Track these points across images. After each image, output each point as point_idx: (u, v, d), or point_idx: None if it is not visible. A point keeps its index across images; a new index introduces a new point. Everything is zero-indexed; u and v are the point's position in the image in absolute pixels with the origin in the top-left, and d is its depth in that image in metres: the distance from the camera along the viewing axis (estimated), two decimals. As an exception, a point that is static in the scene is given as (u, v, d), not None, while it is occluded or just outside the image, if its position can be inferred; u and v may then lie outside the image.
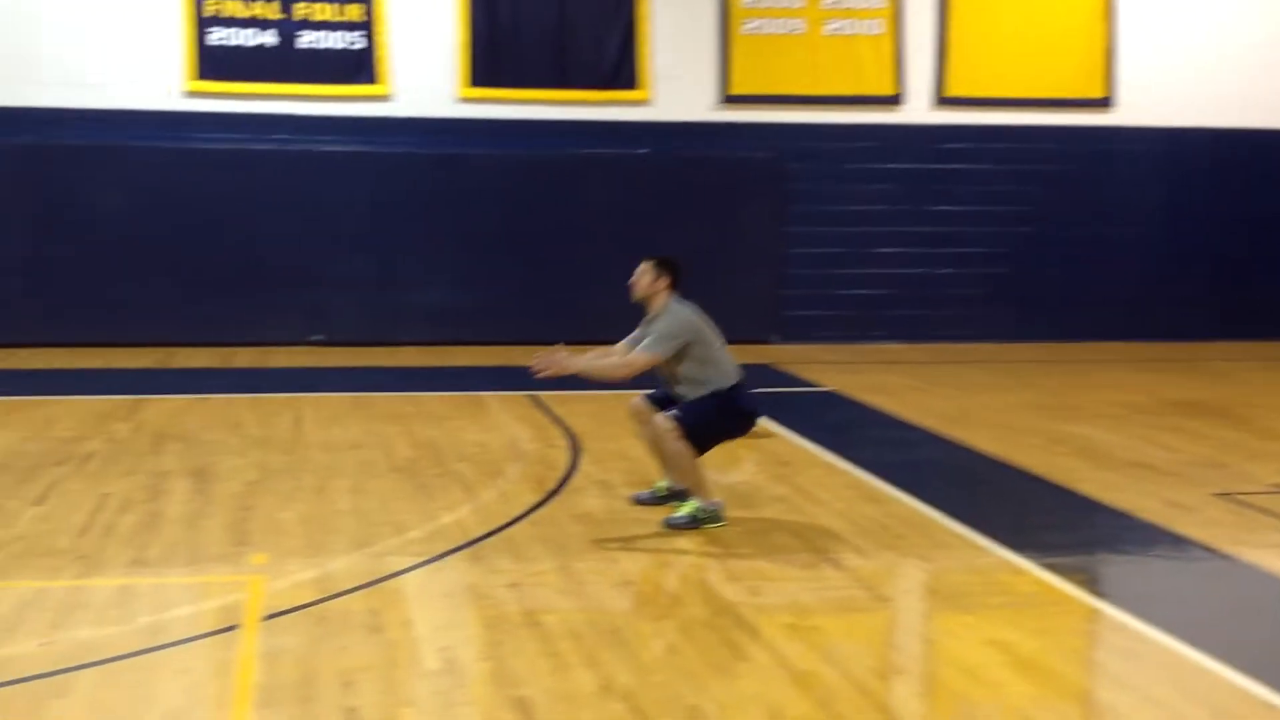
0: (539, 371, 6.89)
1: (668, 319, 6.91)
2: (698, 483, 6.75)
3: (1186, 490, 7.60)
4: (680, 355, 6.82)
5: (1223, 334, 14.64)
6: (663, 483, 7.18)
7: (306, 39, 13.33)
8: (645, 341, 6.92)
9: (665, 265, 7.01)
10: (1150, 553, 6.46)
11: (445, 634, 5.12)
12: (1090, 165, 14.67)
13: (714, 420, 6.81)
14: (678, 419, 6.70)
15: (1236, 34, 14.74)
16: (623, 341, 7.26)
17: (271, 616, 5.22)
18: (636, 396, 7.22)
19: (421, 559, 6.07)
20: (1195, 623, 5.33)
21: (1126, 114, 14.60)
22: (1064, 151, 14.60)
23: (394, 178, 13.51)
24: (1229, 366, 12.91)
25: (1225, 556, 6.32)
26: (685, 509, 6.78)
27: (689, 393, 6.87)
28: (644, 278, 7.03)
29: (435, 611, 5.41)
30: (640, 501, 7.20)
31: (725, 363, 6.93)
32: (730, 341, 13.76)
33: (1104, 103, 14.60)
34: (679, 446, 6.68)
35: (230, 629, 5.08)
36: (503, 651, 4.91)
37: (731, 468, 8.12)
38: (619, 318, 13.65)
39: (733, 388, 6.88)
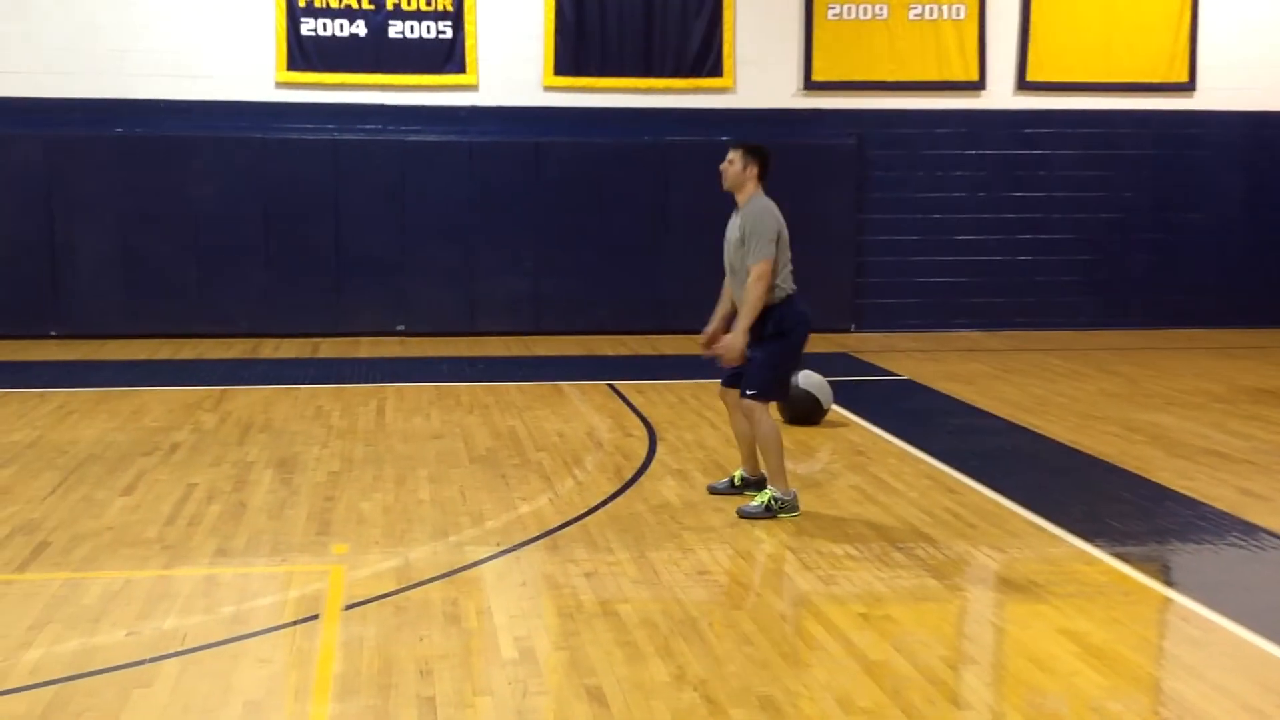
0: (721, 361, 6.90)
1: (759, 217, 6.71)
2: (778, 468, 6.76)
3: (1260, 479, 7.52)
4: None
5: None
6: (738, 472, 7.24)
7: (396, 29, 13.51)
8: (752, 250, 6.69)
9: (754, 153, 6.82)
10: (1222, 541, 6.40)
11: (522, 623, 5.22)
12: (1172, 150, 14.42)
13: (779, 355, 6.78)
14: (753, 395, 6.75)
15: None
16: (726, 257, 7.00)
17: (352, 606, 5.36)
18: (719, 385, 7.21)
19: (499, 549, 6.18)
20: (1265, 611, 5.32)
21: (1209, 98, 14.35)
22: (1146, 136, 14.38)
23: (480, 167, 13.66)
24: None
25: (1303, 546, 6.25)
26: (760, 498, 6.84)
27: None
28: (733, 166, 6.83)
29: (512, 601, 5.51)
30: (715, 491, 7.26)
31: (786, 276, 6.85)
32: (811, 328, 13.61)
33: (1187, 87, 14.34)
34: (767, 423, 6.75)
35: (311, 619, 5.22)
36: (578, 641, 5.00)
37: (807, 456, 8.15)
38: (701, 305, 13.76)
39: (793, 295, 6.84)
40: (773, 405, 7.31)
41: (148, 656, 4.80)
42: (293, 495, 7.12)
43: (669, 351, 12.74)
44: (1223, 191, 14.52)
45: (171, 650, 4.86)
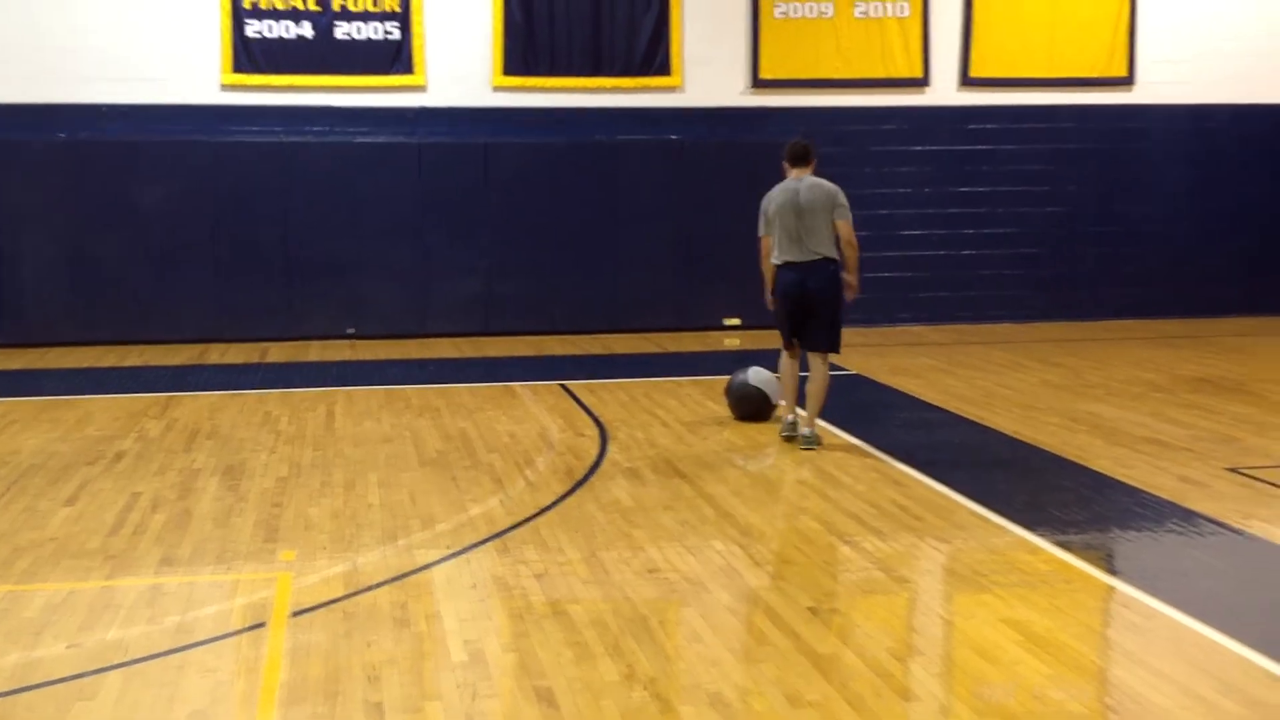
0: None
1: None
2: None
3: (1198, 466, 7.65)
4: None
5: (1244, 309, 14.59)
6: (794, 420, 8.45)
7: (343, 30, 13.44)
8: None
9: (805, 151, 8.48)
10: (1162, 528, 6.51)
11: (471, 626, 5.22)
12: (1114, 143, 14.63)
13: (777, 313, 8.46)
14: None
15: (1255, 10, 14.65)
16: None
17: (299, 613, 5.33)
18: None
19: (449, 551, 6.18)
20: (1204, 597, 5.41)
21: (1148, 92, 14.56)
22: (1088, 130, 14.57)
23: (429, 168, 13.61)
24: (1246, 342, 12.87)
25: (1235, 531, 6.39)
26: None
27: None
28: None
29: (462, 603, 5.51)
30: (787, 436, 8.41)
31: (783, 245, 8.23)
32: (760, 326, 13.77)
33: (1126, 81, 14.54)
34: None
35: (258, 626, 5.20)
36: (528, 642, 5.01)
37: (756, 452, 8.19)
38: (652, 304, 13.91)
39: (778, 269, 8.27)
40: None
41: (90, 669, 4.75)
42: (239, 502, 7.07)
43: (621, 350, 12.76)
44: (1164, 184, 14.74)
45: (114, 662, 4.82)
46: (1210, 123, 14.68)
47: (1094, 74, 14.48)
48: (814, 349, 8.36)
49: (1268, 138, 14.79)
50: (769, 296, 8.48)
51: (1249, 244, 14.84)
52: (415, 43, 13.60)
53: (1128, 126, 14.59)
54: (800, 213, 8.15)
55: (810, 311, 8.23)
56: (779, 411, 8.80)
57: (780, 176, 8.46)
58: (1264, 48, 14.64)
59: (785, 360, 8.58)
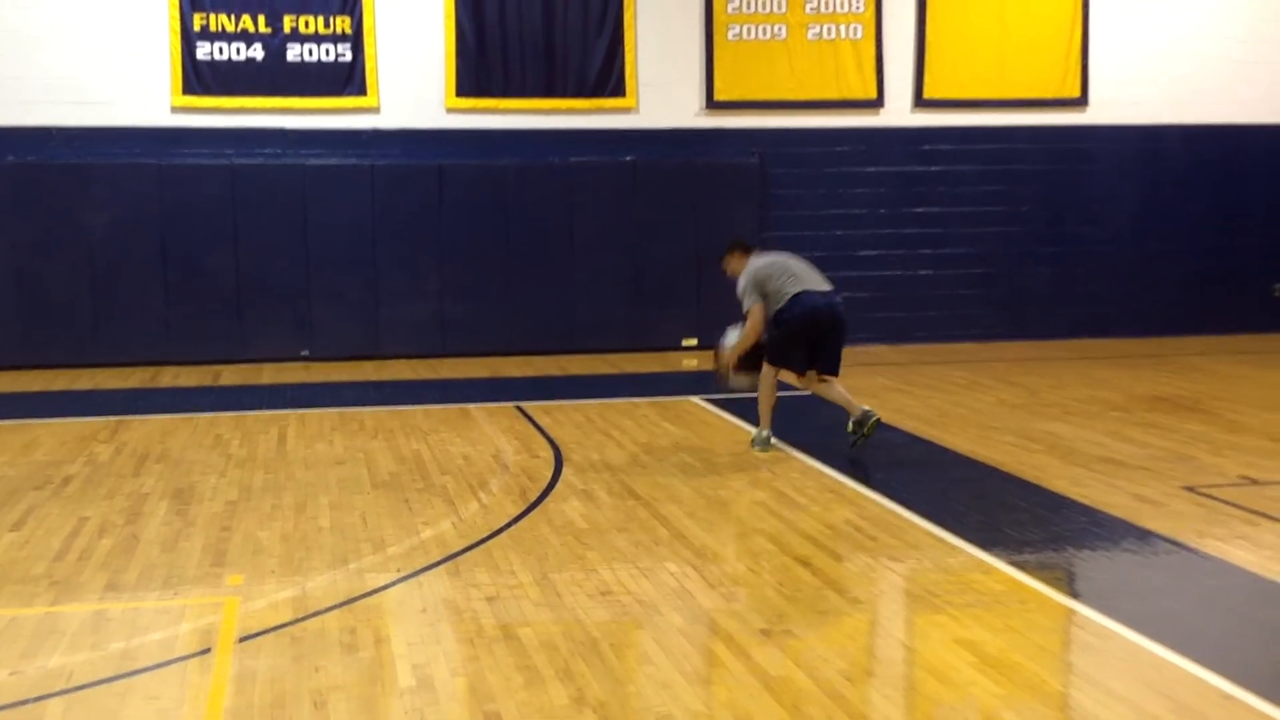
0: (723, 376, 9.07)
1: (741, 278, 8.86)
2: (764, 411, 8.89)
3: (1154, 485, 7.68)
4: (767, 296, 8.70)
5: (1197, 328, 14.74)
6: (850, 423, 8.68)
7: (295, 51, 13.37)
8: (745, 302, 8.80)
9: (732, 247, 9.15)
10: (1116, 548, 6.51)
11: (420, 650, 5.14)
12: (1067, 164, 14.77)
13: (776, 337, 8.74)
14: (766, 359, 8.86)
15: (1205, 32, 14.85)
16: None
17: (246, 638, 5.25)
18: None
19: (400, 575, 6.10)
20: (1157, 616, 5.40)
21: (1101, 113, 14.71)
22: (1041, 151, 14.70)
23: (382, 190, 13.55)
24: (1201, 360, 12.97)
25: (1190, 550, 6.40)
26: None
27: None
28: (727, 268, 9.13)
29: (411, 628, 5.44)
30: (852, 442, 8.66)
31: (786, 289, 8.68)
32: (715, 345, 13.78)
33: (1079, 102, 14.69)
34: (765, 377, 8.82)
35: (203, 652, 5.10)
36: (477, 666, 4.94)
37: (711, 473, 8.16)
38: (609, 324, 13.87)
39: (792, 299, 8.65)
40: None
41: (32, 696, 4.65)
42: (188, 526, 6.97)
43: (577, 371, 12.72)
44: (1116, 203, 14.88)
45: (57, 689, 4.72)
46: (1161, 144, 14.84)
47: (1047, 95, 14.61)
48: (830, 371, 8.84)
49: (1217, 158, 14.97)
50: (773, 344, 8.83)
51: (1201, 263, 14.99)
52: (368, 64, 13.54)
53: (1080, 147, 14.73)
54: (796, 262, 8.95)
55: (835, 332, 8.80)
56: (760, 429, 8.93)
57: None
58: (1214, 69, 14.83)
59: (773, 380, 8.89)
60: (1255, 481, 7.75)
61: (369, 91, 13.58)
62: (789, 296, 8.68)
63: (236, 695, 4.65)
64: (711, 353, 9.35)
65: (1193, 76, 14.79)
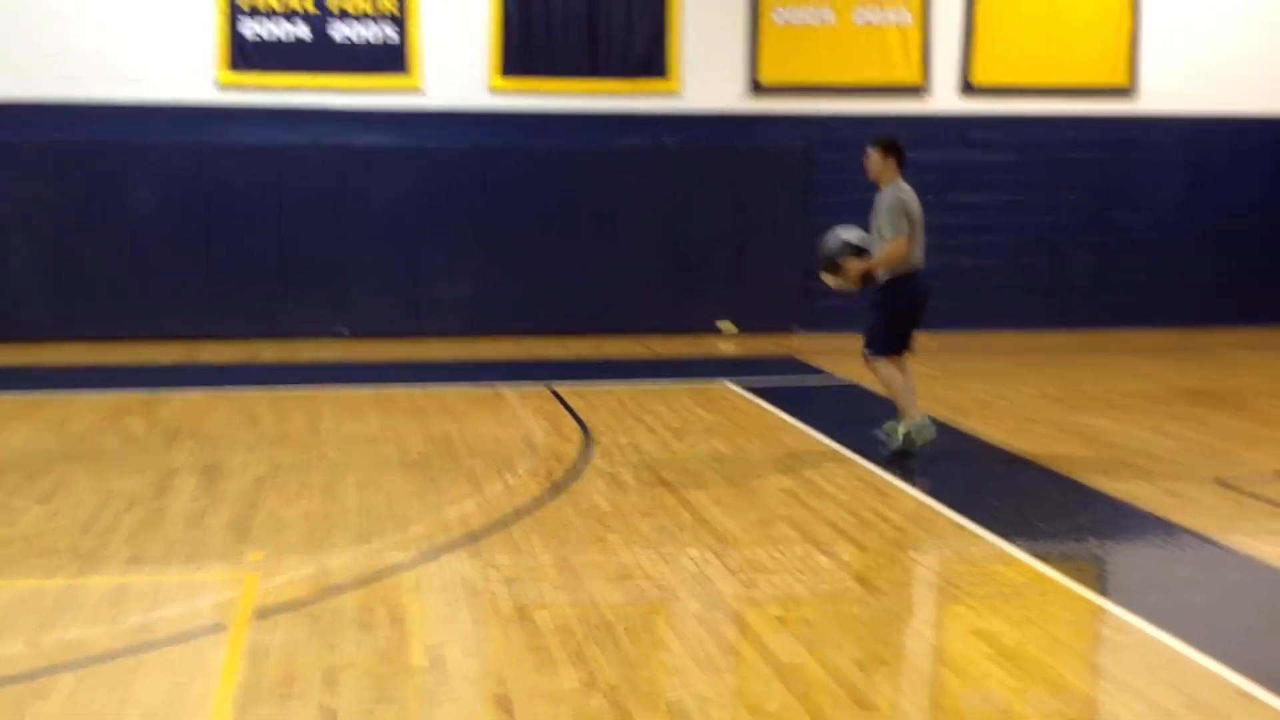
0: (846, 280, 8.12)
1: (894, 199, 7.93)
2: (907, 403, 8.02)
3: (1187, 478, 7.55)
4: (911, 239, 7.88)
5: (1242, 319, 14.48)
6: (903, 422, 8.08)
7: (339, 31, 13.40)
8: (882, 227, 7.94)
9: (890, 147, 8.08)
10: (1143, 541, 6.44)
11: (435, 630, 5.15)
12: (1114, 153, 14.54)
13: (893, 317, 7.99)
14: (868, 354, 8.11)
15: (1254, 21, 14.53)
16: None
17: (263, 614, 5.27)
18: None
19: (420, 555, 6.11)
20: (1179, 611, 5.33)
21: (1149, 101, 14.47)
22: (1088, 140, 14.48)
23: (423, 170, 13.58)
24: (1244, 354, 12.76)
25: (1218, 545, 6.29)
26: (896, 432, 8.01)
27: (885, 275, 7.96)
28: (873, 160, 8.11)
29: (428, 607, 5.45)
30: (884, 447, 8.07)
31: (920, 249, 7.97)
32: (755, 330, 13.66)
33: (1127, 91, 14.45)
34: (885, 371, 8.07)
35: (220, 627, 5.13)
36: (491, 648, 4.94)
37: (740, 459, 8.11)
38: (645, 307, 13.83)
39: (916, 273, 7.96)
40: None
41: (44, 667, 4.69)
42: (215, 503, 7.01)
43: (612, 354, 12.69)
44: (1163, 194, 14.64)
45: (72, 661, 4.76)
46: (1209, 135, 14.57)
47: (1095, 83, 14.39)
48: (910, 351, 8.33)
49: (1264, 151, 14.67)
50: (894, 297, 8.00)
51: (1246, 255, 14.72)
52: (412, 44, 13.56)
53: (1127, 137, 14.50)
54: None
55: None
56: (913, 417, 8.11)
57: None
58: (1260, 60, 14.52)
59: (896, 368, 8.16)
60: (1290, 477, 7.61)
61: (412, 72, 13.60)
62: (918, 264, 7.97)
63: (249, 671, 4.67)
64: (824, 248, 8.26)
65: (1239, 67, 14.49)
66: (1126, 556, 6.26)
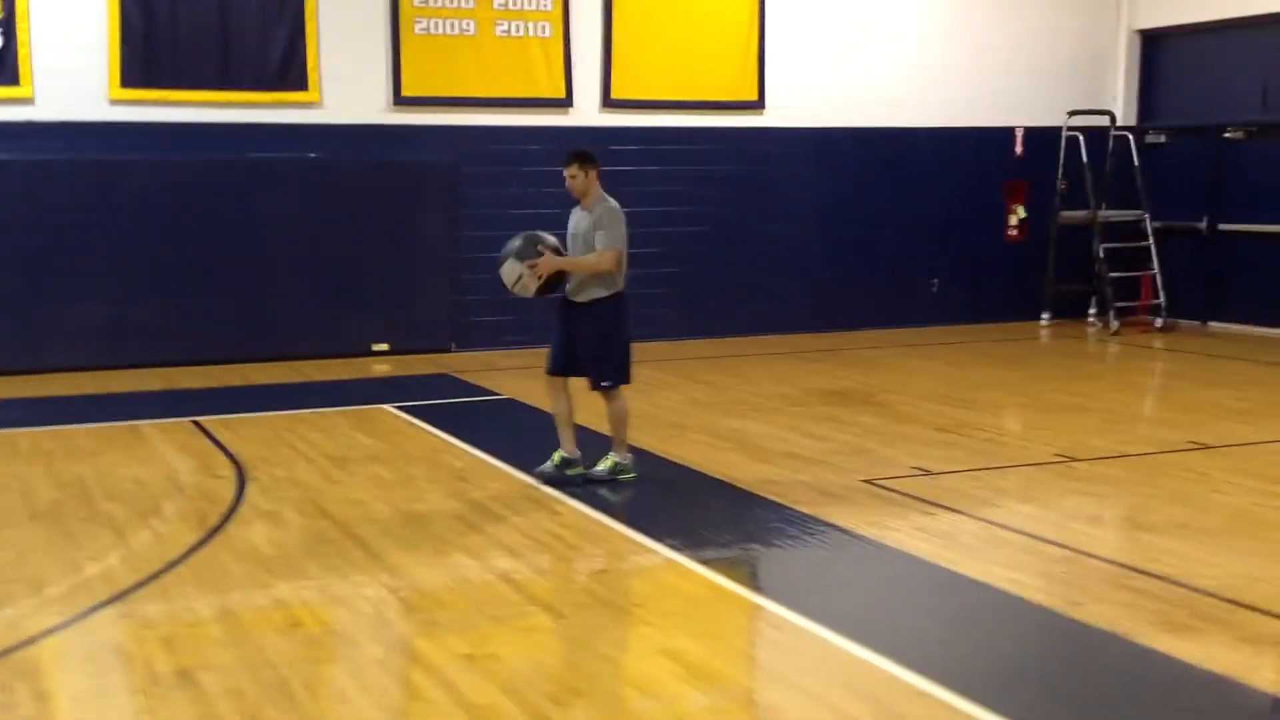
0: (535, 273, 7.57)
1: (610, 210, 7.56)
2: (623, 439, 7.77)
3: (835, 478, 7.92)
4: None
5: (866, 323, 15.47)
6: (559, 454, 7.79)
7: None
8: (603, 237, 7.50)
9: (589, 158, 7.59)
10: (805, 543, 6.66)
11: (87, 706, 4.67)
12: (748, 165, 15.15)
13: (623, 340, 7.72)
14: (608, 386, 7.68)
15: (867, 41, 15.56)
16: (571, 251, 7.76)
17: (-124, 706, 4.62)
18: (548, 370, 7.95)
19: (62, 620, 5.54)
20: (849, 613, 5.53)
21: (776, 115, 15.18)
22: (725, 152, 15.03)
23: (37, 187, 12.44)
24: (873, 354, 13.60)
25: (873, 542, 6.61)
26: (606, 464, 7.71)
27: (589, 292, 7.59)
28: (577, 177, 7.57)
29: (77, 680, 4.94)
30: (541, 475, 7.73)
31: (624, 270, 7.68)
32: (410, 350, 13.37)
33: (757, 104, 15.12)
34: (620, 404, 7.73)
35: None
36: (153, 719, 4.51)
37: (406, 485, 7.85)
38: (296, 330, 13.25)
39: (623, 293, 7.70)
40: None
41: None
42: None
43: (261, 381, 12.07)
44: (793, 204, 15.40)
45: None
46: (829, 145, 15.42)
47: (728, 98, 14.96)
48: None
49: (885, 160, 15.71)
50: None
51: (869, 259, 15.70)
52: (21, 51, 12.43)
53: (760, 149, 15.15)
54: None
55: None
56: (621, 455, 7.91)
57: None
58: (878, 76, 15.55)
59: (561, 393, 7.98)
60: (928, 472, 8.11)
61: (22, 81, 12.47)
62: (620, 289, 7.66)
63: None
64: (510, 257, 7.77)
65: (858, 83, 15.46)
66: (792, 561, 6.43)
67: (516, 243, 7.85)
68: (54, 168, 12.51)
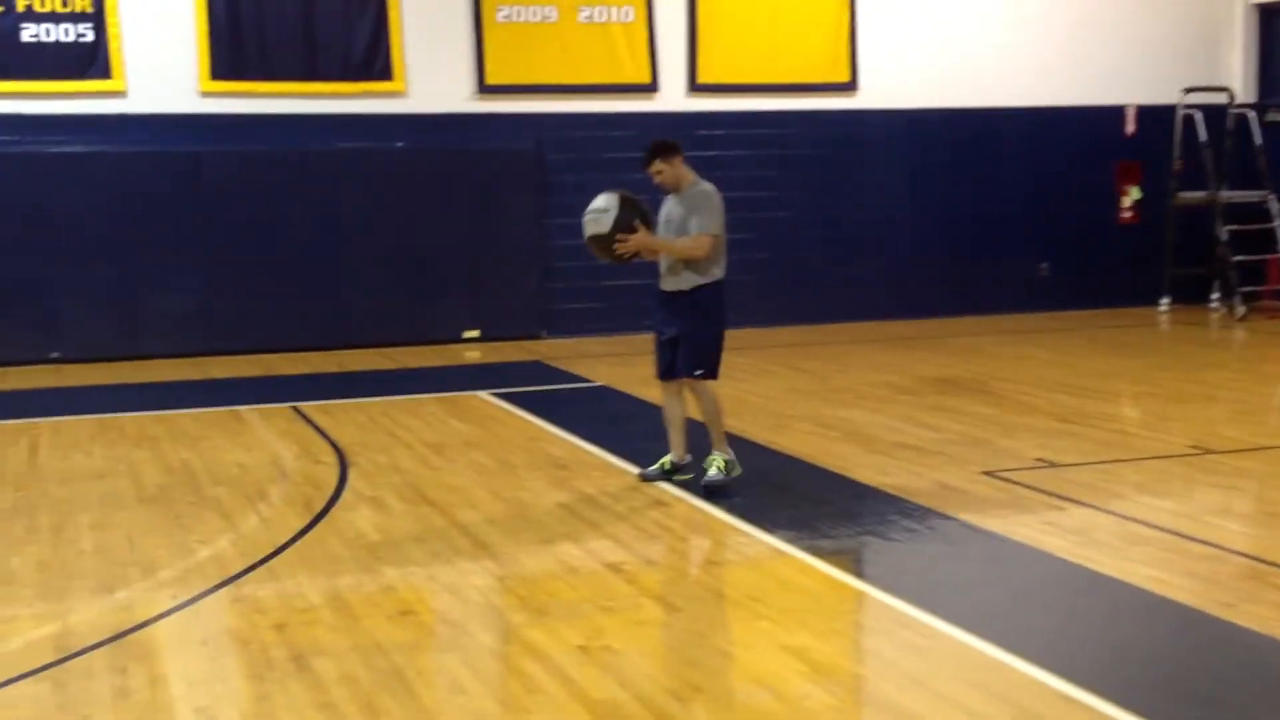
0: (624, 254, 7.10)
1: (704, 194, 7.13)
2: (723, 433, 7.32)
3: (954, 470, 7.67)
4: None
5: (966, 309, 15.11)
6: (669, 458, 7.44)
7: (30, 32, 12.29)
8: (698, 222, 7.07)
9: (668, 148, 7.16)
10: (929, 538, 6.41)
11: (203, 690, 4.65)
12: (839, 148, 14.88)
13: (718, 331, 7.25)
14: (701, 375, 7.21)
15: (962, 18, 15.19)
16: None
17: (1, 685, 4.63)
18: (657, 375, 7.48)
19: (175, 603, 5.55)
20: (981, 611, 5.27)
21: (869, 97, 14.89)
22: (814, 136, 14.78)
23: (133, 178, 12.60)
24: (976, 342, 13.24)
25: (1001, 538, 6.32)
26: (714, 468, 7.21)
27: (687, 279, 7.14)
28: (665, 171, 7.15)
29: (192, 664, 4.92)
30: (648, 478, 7.43)
31: (723, 260, 7.27)
32: (500, 338, 13.35)
33: (849, 87, 14.86)
34: (712, 396, 7.27)
35: (-51, 710, 4.49)
36: (270, 706, 4.48)
37: (506, 473, 7.80)
38: (386, 317, 13.28)
39: (722, 281, 7.28)
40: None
41: None
42: (-76, 558, 6.20)
43: (355, 367, 12.11)
44: (886, 187, 15.11)
45: None
46: (924, 126, 15.09)
47: (817, 80, 14.71)
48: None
49: (976, 140, 15.30)
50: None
51: (962, 243, 15.36)
52: (112, 45, 12.57)
53: (851, 132, 14.89)
54: None
55: None
56: (724, 453, 7.39)
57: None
58: (969, 55, 15.17)
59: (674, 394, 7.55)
60: (1052, 464, 7.84)
61: (114, 74, 12.62)
62: (720, 278, 7.22)
63: (-9, 760, 4.08)
64: (600, 221, 7.13)
65: (950, 62, 15.10)
66: (916, 556, 6.15)
67: (613, 207, 7.13)
68: (145, 159, 12.64)
